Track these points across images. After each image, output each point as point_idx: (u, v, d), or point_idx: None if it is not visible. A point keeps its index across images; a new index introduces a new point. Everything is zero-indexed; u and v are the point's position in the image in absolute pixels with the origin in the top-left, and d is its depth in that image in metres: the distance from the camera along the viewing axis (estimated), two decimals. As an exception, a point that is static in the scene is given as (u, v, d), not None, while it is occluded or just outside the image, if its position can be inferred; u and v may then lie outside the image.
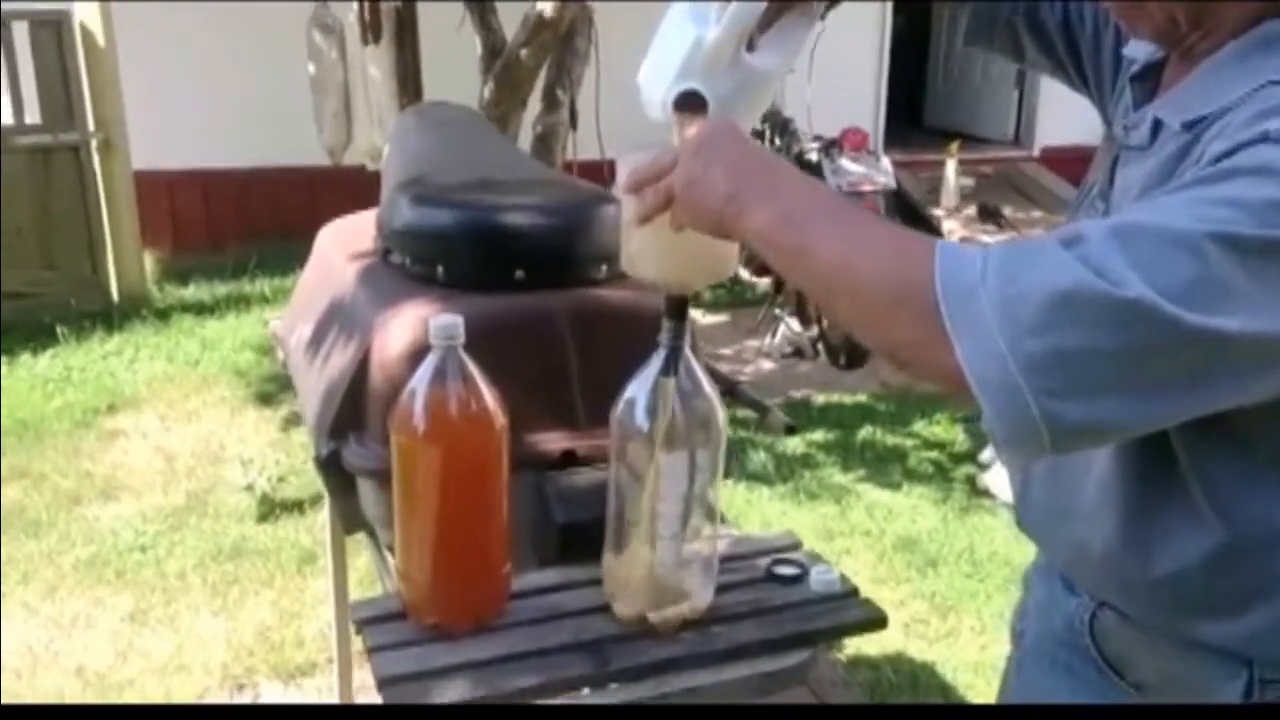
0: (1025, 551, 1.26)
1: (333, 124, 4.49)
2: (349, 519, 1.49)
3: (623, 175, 1.09)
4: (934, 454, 3.96)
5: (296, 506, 3.58)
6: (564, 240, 1.49)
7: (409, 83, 4.09)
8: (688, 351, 1.18)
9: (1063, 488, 1.09)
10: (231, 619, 2.98)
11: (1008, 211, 6.52)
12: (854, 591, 1.33)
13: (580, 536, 1.35)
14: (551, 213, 1.52)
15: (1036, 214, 6.66)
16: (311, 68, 4.43)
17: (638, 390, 1.19)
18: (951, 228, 6.30)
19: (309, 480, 3.73)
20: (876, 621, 1.29)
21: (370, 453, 1.41)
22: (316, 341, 1.64)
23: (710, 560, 1.24)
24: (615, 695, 1.16)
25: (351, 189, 3.44)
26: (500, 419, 1.18)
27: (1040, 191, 7.04)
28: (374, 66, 4.19)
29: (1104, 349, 0.79)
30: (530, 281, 1.46)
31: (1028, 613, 1.24)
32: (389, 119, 4.39)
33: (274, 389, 4.56)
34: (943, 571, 3.13)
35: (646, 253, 1.12)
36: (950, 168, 6.71)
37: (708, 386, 1.19)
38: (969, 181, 6.89)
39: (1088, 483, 1.05)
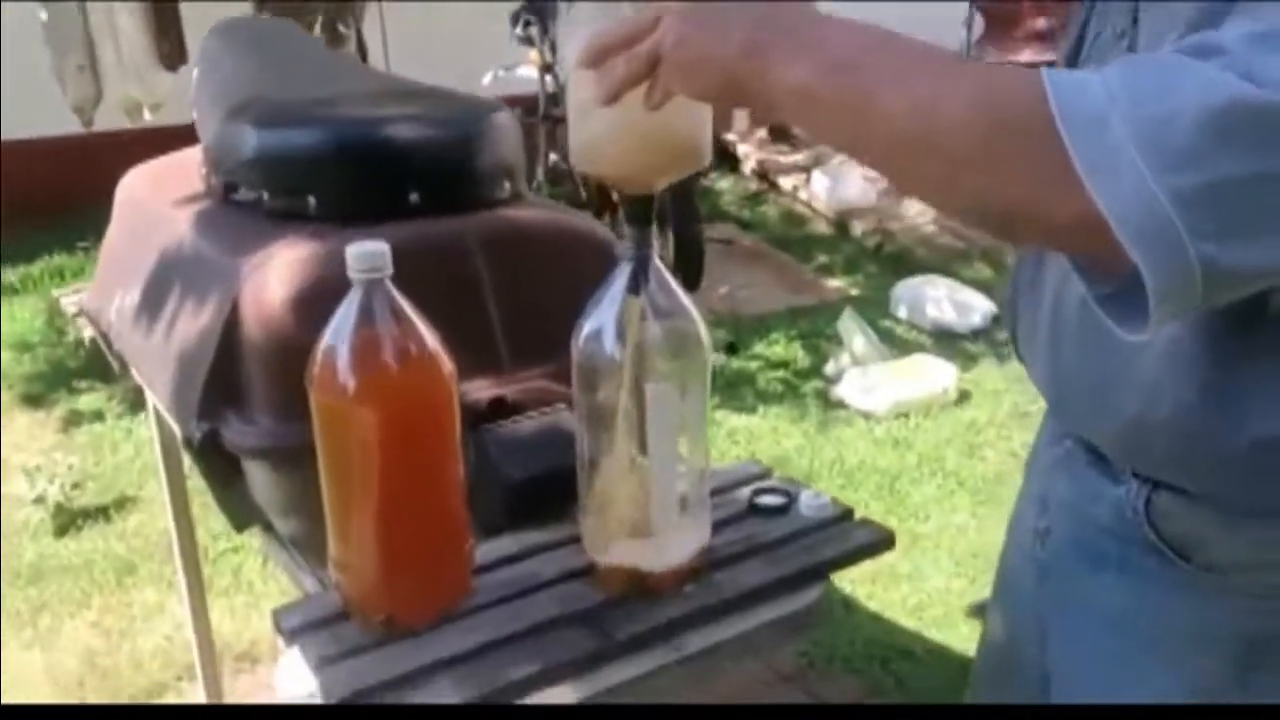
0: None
1: (77, 79, 3.99)
2: (237, 512, 1.24)
3: (573, 47, 0.90)
4: (780, 373, 3.92)
5: (100, 513, 3.19)
6: (462, 155, 1.28)
7: (169, 27, 3.66)
8: (656, 261, 1.00)
9: (1110, 358, 0.98)
10: (48, 650, 2.61)
11: (797, 131, 6.56)
12: (849, 513, 1.20)
13: (532, 496, 1.16)
14: (443, 125, 1.30)
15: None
16: (44, 14, 3.91)
17: (602, 315, 1.01)
18: (747, 150, 6.29)
19: (109, 482, 3.34)
20: (884, 542, 1.16)
21: (259, 429, 1.17)
22: (151, 307, 1.37)
23: (704, 497, 1.08)
24: (625, 670, 0.99)
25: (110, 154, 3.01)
26: (447, 363, 0.97)
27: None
28: (124, 14, 3.73)
29: (1275, 173, 0.67)
30: (426, 206, 1.24)
31: (1048, 508, 1.13)
32: (148, 71, 3.94)
33: (41, 388, 4.06)
34: (820, 486, 3.07)
35: (605, 141, 0.93)
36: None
37: (684, 298, 1.02)
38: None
39: (1147, 351, 0.94)
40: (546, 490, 1.16)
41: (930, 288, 4.35)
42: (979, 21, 6.72)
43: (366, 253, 0.93)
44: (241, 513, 1.23)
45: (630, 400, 1.00)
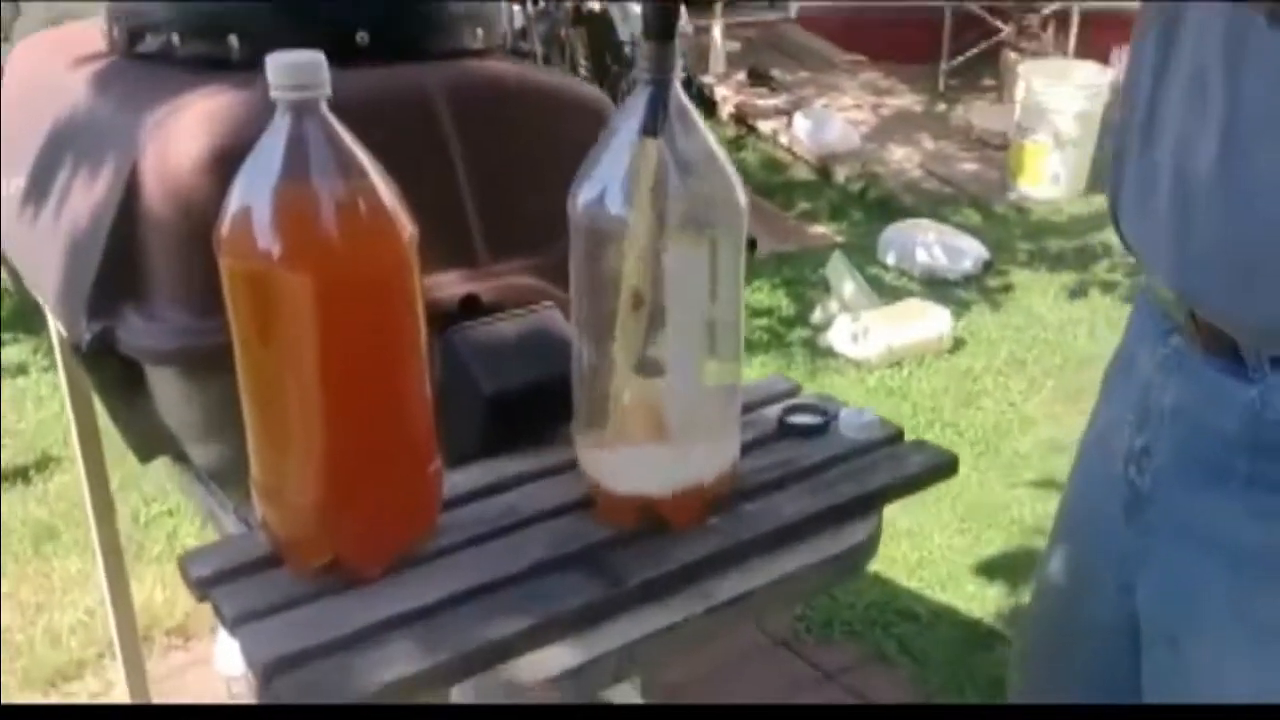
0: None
1: None
2: (140, 437, 1.00)
3: None
4: (765, 321, 3.71)
5: (19, 475, 2.93)
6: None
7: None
8: (679, 92, 0.77)
9: (1260, 228, 0.77)
10: (-45, 626, 2.36)
11: (776, 74, 6.32)
12: (899, 434, 0.98)
13: (515, 413, 0.94)
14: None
15: (804, 74, 6.51)
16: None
17: (609, 166, 0.79)
18: (725, 94, 6.05)
19: (30, 441, 3.07)
20: (946, 466, 0.95)
21: (164, 327, 0.94)
22: (38, 192, 1.12)
23: (735, 404, 0.86)
24: (639, 623, 0.77)
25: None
26: (407, 224, 0.74)
27: (805, 53, 6.89)
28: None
29: None
30: (377, 50, 1.01)
31: (1148, 421, 0.92)
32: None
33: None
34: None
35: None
36: (717, 32, 6.44)
37: (713, 143, 0.80)
38: (735, 46, 6.64)
39: None
40: (532, 406, 0.94)
41: (919, 232, 4.15)
42: None
43: (295, 64, 0.70)
44: (146, 438, 0.99)
45: (643, 277, 0.78)
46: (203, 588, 0.79)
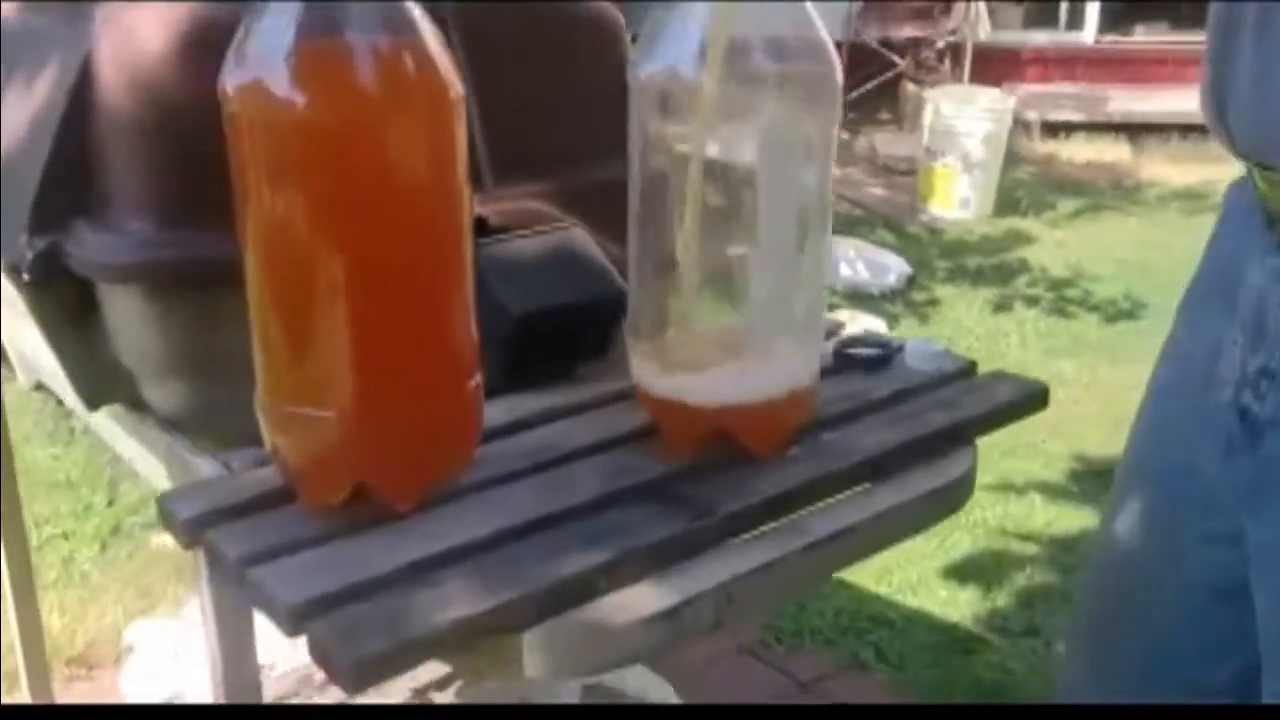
0: None
1: None
2: (90, 379, 0.84)
3: None
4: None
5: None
6: None
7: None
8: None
9: None
10: None
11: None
12: (972, 365, 0.88)
13: (546, 338, 0.81)
14: None
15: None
16: None
17: (675, 21, 0.67)
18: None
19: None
20: (1036, 397, 0.85)
21: (125, 239, 0.78)
22: None
23: (819, 311, 0.75)
24: (732, 562, 0.65)
25: None
26: (455, 82, 0.62)
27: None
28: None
29: None
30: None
31: (1263, 339, 0.82)
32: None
33: None
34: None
35: None
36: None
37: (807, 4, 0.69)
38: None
39: None
40: (564, 332, 0.81)
41: (840, 248, 4.11)
42: (859, -6, 6.61)
43: None
44: (96, 379, 0.83)
45: (708, 159, 0.66)
46: (193, 530, 0.64)
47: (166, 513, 0.65)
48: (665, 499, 0.68)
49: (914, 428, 0.78)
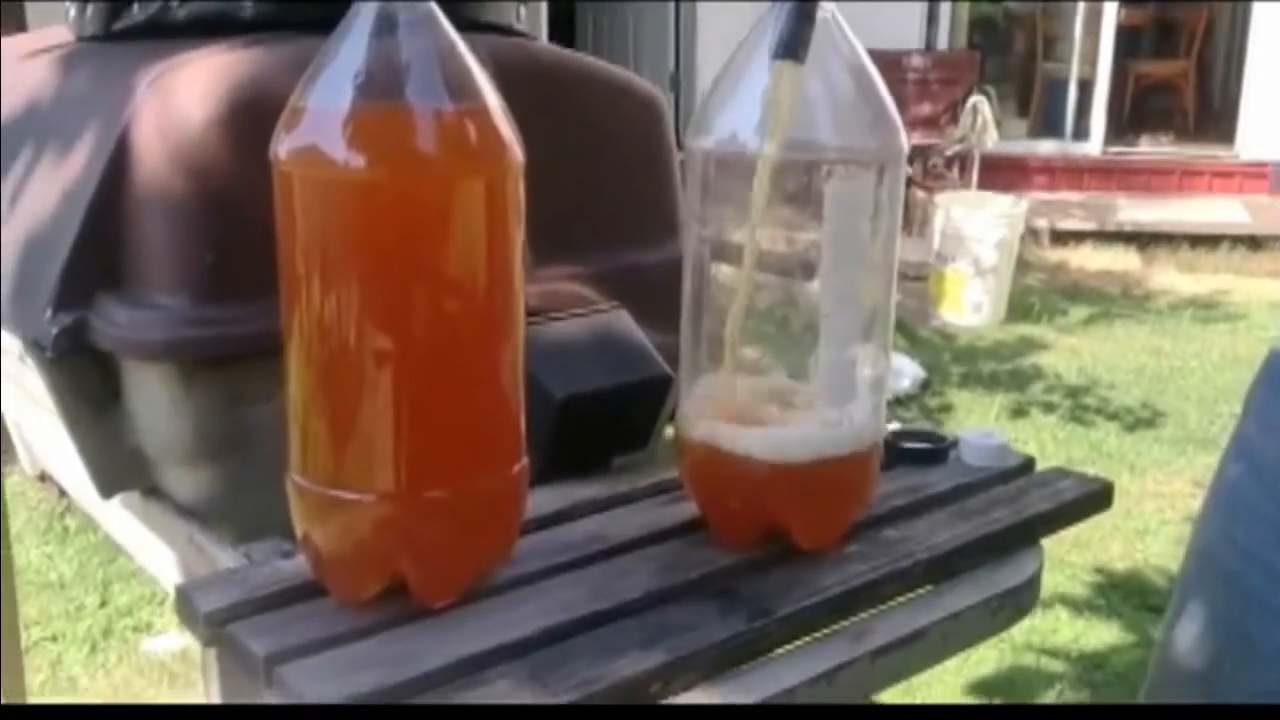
0: None
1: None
2: (108, 462, 0.81)
3: None
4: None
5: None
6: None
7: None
8: (830, 8, 0.65)
9: None
10: None
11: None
12: (1030, 462, 0.85)
13: (589, 423, 0.78)
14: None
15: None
16: None
17: (743, 92, 0.66)
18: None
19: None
20: (1101, 495, 0.82)
21: (156, 314, 0.76)
22: (18, 189, 0.94)
23: (880, 403, 0.72)
24: (794, 668, 0.61)
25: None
26: (517, 150, 0.60)
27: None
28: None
29: None
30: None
31: None
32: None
33: None
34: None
35: None
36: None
37: (869, 65, 0.67)
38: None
39: None
40: (607, 418, 0.78)
41: (854, 353, 4.11)
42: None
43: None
44: (114, 463, 0.79)
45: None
46: (216, 624, 0.60)
47: (186, 605, 0.61)
48: (720, 595, 0.64)
49: (980, 525, 0.74)
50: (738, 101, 0.66)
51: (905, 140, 0.67)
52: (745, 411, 0.67)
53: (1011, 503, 0.77)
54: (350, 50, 0.55)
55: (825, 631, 0.64)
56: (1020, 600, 0.71)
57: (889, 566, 0.68)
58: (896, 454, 0.84)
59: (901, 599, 0.68)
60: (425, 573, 0.60)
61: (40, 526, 2.74)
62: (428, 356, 0.58)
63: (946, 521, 0.74)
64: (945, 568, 0.70)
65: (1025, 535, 0.75)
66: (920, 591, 0.69)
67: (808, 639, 0.63)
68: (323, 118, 0.55)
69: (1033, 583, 0.72)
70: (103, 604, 2.48)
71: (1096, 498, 0.81)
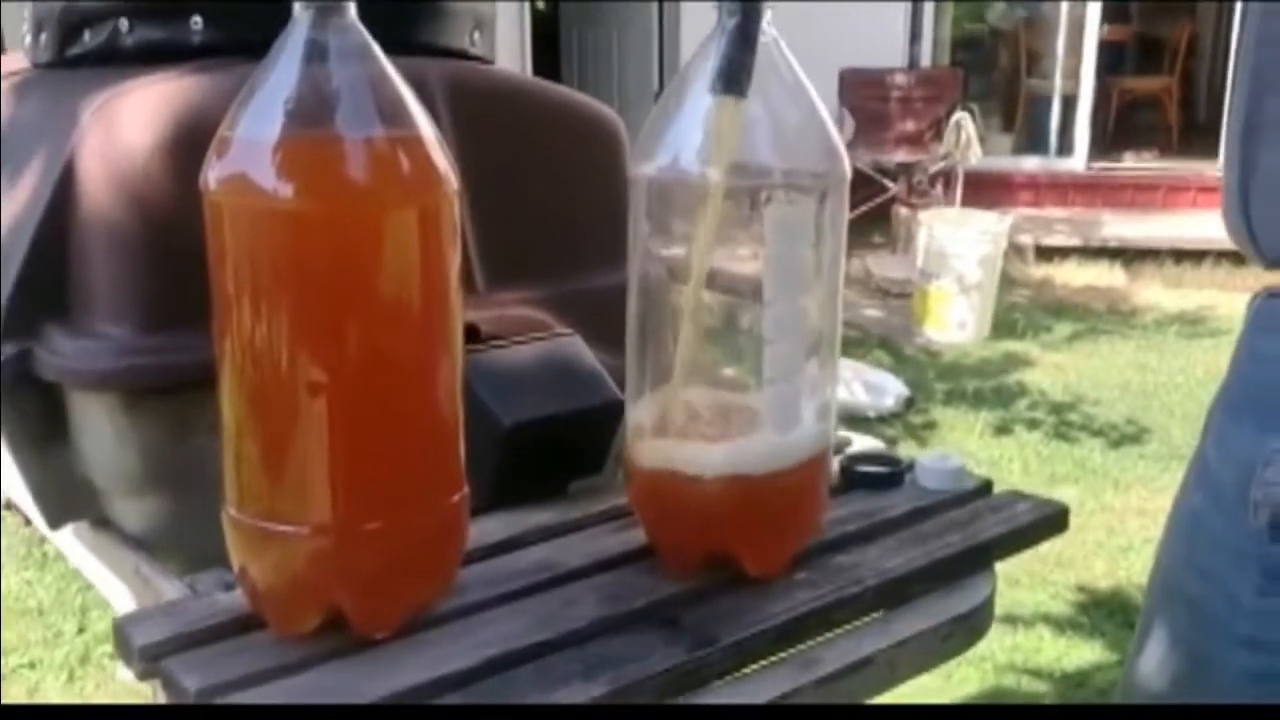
0: None
1: None
2: (55, 494, 0.80)
3: None
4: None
5: None
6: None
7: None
8: (771, 33, 0.65)
9: None
10: None
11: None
12: (987, 485, 0.85)
13: (538, 449, 0.77)
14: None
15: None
16: None
17: (685, 117, 0.66)
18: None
19: None
20: (1057, 518, 0.81)
21: (100, 344, 0.75)
22: None
23: (828, 425, 0.71)
24: (738, 696, 0.60)
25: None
26: (451, 178, 0.59)
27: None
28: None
29: None
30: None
31: None
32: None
33: None
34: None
35: None
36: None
37: (810, 90, 0.67)
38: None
39: None
40: (557, 444, 0.78)
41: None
42: (849, 122, 6.77)
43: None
44: (61, 495, 0.79)
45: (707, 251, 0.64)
46: (151, 658, 0.59)
47: (122, 639, 0.61)
48: (665, 624, 0.63)
49: (933, 550, 0.74)
50: (679, 127, 0.66)
51: (848, 165, 0.67)
52: (691, 430, 0.67)
53: (966, 526, 0.77)
54: (280, 77, 0.55)
55: (772, 659, 0.64)
56: (972, 625, 0.71)
57: (837, 594, 0.68)
58: (852, 478, 0.83)
59: (850, 626, 0.67)
60: (363, 605, 0.59)
61: (19, 553, 2.72)
62: (361, 387, 0.57)
63: (898, 547, 0.74)
64: (896, 593, 0.70)
65: (979, 559, 0.74)
66: (870, 618, 0.68)
67: (754, 667, 0.63)
68: (252, 146, 0.54)
69: (985, 607, 0.72)
70: (80, 630, 2.46)
71: (1052, 521, 0.80)
